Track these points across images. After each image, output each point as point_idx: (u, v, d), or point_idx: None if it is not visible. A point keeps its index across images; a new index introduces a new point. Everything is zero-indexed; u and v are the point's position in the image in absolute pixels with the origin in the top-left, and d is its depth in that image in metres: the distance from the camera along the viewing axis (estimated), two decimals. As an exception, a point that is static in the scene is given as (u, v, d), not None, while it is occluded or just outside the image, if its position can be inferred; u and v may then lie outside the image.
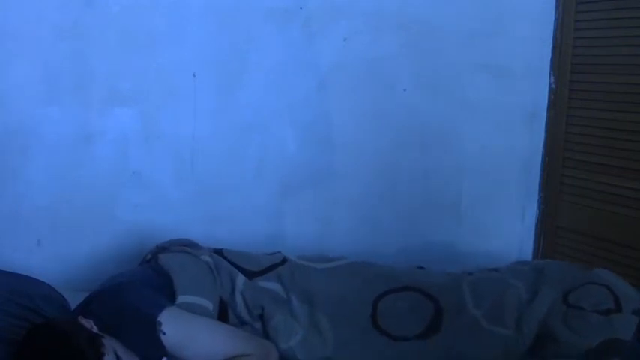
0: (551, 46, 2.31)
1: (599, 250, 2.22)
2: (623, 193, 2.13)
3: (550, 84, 2.33)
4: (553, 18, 2.30)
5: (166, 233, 1.85)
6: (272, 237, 1.96)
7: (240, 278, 1.68)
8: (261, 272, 1.72)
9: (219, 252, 1.75)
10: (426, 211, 2.29)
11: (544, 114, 2.35)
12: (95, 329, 1.37)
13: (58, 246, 1.95)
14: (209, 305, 1.59)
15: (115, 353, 1.31)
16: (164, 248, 1.74)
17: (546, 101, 2.34)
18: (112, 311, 1.46)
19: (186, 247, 1.73)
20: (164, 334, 1.45)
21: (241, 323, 1.64)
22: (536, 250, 2.43)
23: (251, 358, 1.52)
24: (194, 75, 1.99)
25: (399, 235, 2.23)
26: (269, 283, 1.69)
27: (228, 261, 1.72)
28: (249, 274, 1.70)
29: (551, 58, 2.31)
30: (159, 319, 1.45)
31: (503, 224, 2.39)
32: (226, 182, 2.06)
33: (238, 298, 1.64)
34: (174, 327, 1.47)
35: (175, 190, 2.02)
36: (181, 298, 1.56)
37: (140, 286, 1.56)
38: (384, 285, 1.72)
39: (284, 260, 1.76)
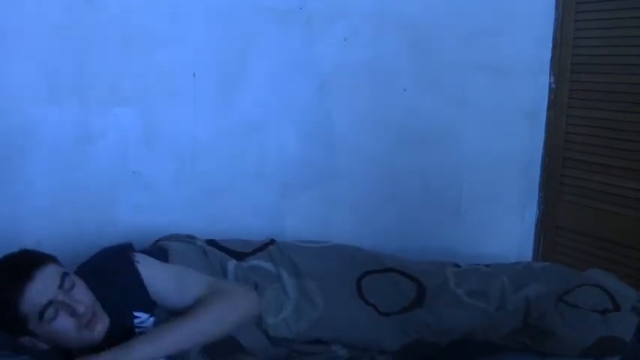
0: (551, 46, 2.31)
1: (599, 250, 2.22)
2: (623, 193, 2.13)
3: (550, 84, 2.33)
4: (553, 18, 2.30)
5: (166, 233, 1.84)
6: (272, 237, 1.95)
7: (232, 263, 1.72)
8: (253, 252, 1.77)
9: (212, 242, 1.79)
10: (425, 211, 2.29)
11: (544, 114, 2.36)
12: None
13: (58, 246, 1.94)
14: None
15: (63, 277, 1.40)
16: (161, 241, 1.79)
17: (546, 101, 2.35)
18: (92, 256, 1.58)
19: (185, 239, 1.77)
20: (138, 262, 1.52)
21: None
22: (536, 250, 2.43)
23: (225, 295, 1.52)
24: (194, 75, 1.98)
25: (399, 235, 2.23)
26: (260, 262, 1.75)
27: (221, 247, 1.77)
28: (241, 256, 1.75)
29: (551, 58, 2.32)
30: (135, 258, 1.54)
31: (503, 224, 2.40)
32: (226, 182, 2.06)
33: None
34: (146, 260, 1.55)
35: (175, 190, 2.02)
36: None
37: None
38: (367, 266, 1.78)
39: (273, 241, 1.83)
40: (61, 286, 1.38)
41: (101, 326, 1.43)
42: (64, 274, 1.41)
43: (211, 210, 2.05)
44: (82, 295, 1.42)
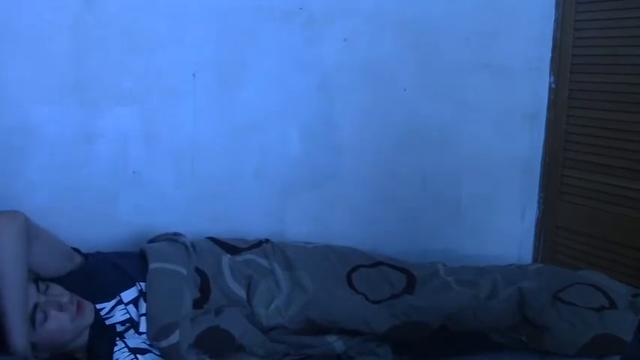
0: (551, 46, 2.32)
1: (599, 250, 2.22)
2: (623, 193, 2.13)
3: (550, 84, 2.33)
4: (553, 18, 2.30)
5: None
6: (272, 237, 1.95)
7: (226, 257, 1.77)
8: (248, 248, 1.84)
9: (211, 239, 1.85)
10: (425, 212, 2.29)
11: (544, 114, 2.36)
12: None
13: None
14: (182, 270, 1.65)
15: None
16: (152, 241, 1.83)
17: (546, 101, 2.35)
18: None
19: (170, 237, 1.81)
20: None
21: (226, 298, 1.69)
22: (536, 250, 2.43)
23: None
24: (194, 75, 1.98)
25: (400, 236, 2.23)
26: (254, 256, 1.81)
27: (217, 242, 1.83)
28: (237, 250, 1.82)
29: (551, 58, 2.32)
30: None
31: (503, 224, 2.40)
32: (226, 182, 2.06)
33: (226, 271, 1.72)
34: None
35: (175, 190, 2.02)
36: (153, 265, 1.63)
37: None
38: (357, 261, 1.84)
39: (268, 240, 1.89)
40: (38, 290, 1.45)
41: (89, 309, 1.50)
42: (35, 280, 1.48)
43: (211, 210, 2.05)
44: (59, 289, 1.49)
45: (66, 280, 1.54)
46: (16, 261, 1.41)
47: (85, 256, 1.67)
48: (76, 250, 1.68)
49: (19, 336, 1.35)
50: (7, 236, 1.43)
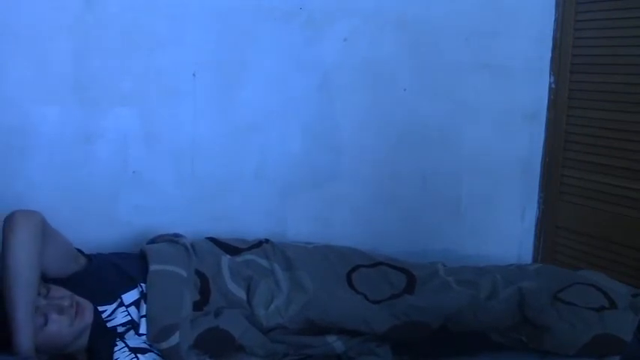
0: (551, 46, 2.32)
1: (599, 250, 2.22)
2: (623, 193, 2.13)
3: (550, 84, 2.33)
4: (553, 18, 2.31)
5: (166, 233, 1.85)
6: (272, 237, 1.95)
7: (225, 257, 1.77)
8: (248, 248, 1.84)
9: (211, 239, 1.85)
10: (425, 212, 2.29)
11: (544, 114, 2.36)
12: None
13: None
14: (182, 272, 1.65)
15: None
16: (152, 241, 1.83)
17: (546, 101, 2.35)
18: None
19: (170, 238, 1.80)
20: None
21: (225, 300, 1.69)
22: (536, 250, 2.43)
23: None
24: (194, 75, 1.98)
25: (400, 236, 2.23)
26: (254, 257, 1.80)
27: (218, 243, 1.82)
28: (237, 251, 1.81)
29: (551, 58, 2.32)
30: None
31: (503, 224, 2.40)
32: (226, 182, 2.06)
33: (225, 273, 1.72)
34: None
35: (175, 190, 2.02)
36: (153, 267, 1.63)
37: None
38: (357, 261, 1.84)
39: (268, 240, 1.89)
40: (38, 294, 1.43)
41: (88, 310, 1.50)
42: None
43: (211, 210, 2.05)
44: (60, 292, 1.48)
45: (70, 281, 1.53)
46: (31, 261, 1.41)
47: (88, 257, 1.66)
48: (79, 251, 1.67)
49: (25, 336, 1.35)
50: (24, 236, 1.42)
